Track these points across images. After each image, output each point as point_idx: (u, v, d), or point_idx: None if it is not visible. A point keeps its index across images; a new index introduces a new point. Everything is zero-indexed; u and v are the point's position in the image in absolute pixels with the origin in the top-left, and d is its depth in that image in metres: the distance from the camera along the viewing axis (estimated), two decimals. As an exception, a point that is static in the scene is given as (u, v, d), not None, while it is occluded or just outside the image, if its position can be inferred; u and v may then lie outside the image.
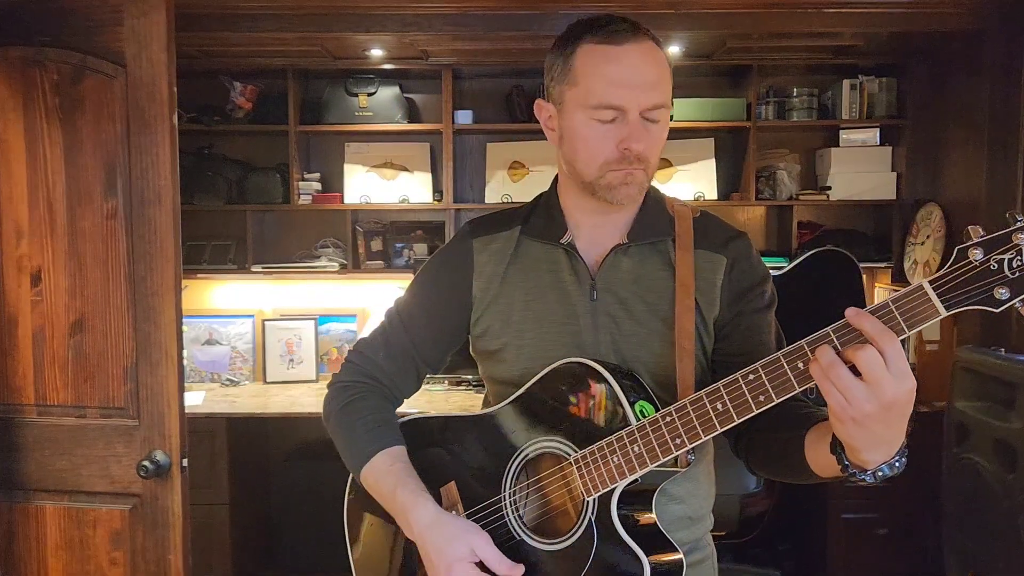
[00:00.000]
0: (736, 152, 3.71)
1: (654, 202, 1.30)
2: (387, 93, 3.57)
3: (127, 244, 1.86)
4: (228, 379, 3.67)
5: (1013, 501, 2.32)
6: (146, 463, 1.83)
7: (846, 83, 3.54)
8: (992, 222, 0.87)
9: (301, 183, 3.61)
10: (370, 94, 3.56)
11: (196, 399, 3.30)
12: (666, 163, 3.67)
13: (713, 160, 3.66)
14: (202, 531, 3.00)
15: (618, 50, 1.17)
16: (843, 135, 3.61)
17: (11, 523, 1.94)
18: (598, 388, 1.14)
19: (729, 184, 3.73)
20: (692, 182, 3.65)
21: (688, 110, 3.54)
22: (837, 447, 0.99)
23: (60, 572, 1.93)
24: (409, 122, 3.60)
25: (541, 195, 1.36)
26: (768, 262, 3.66)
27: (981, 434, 2.50)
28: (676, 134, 3.64)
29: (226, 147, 3.70)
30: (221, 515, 3.15)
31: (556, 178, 1.34)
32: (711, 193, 3.63)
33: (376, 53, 3.31)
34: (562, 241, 1.27)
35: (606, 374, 1.13)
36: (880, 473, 0.97)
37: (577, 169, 1.22)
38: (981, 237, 0.90)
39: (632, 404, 1.11)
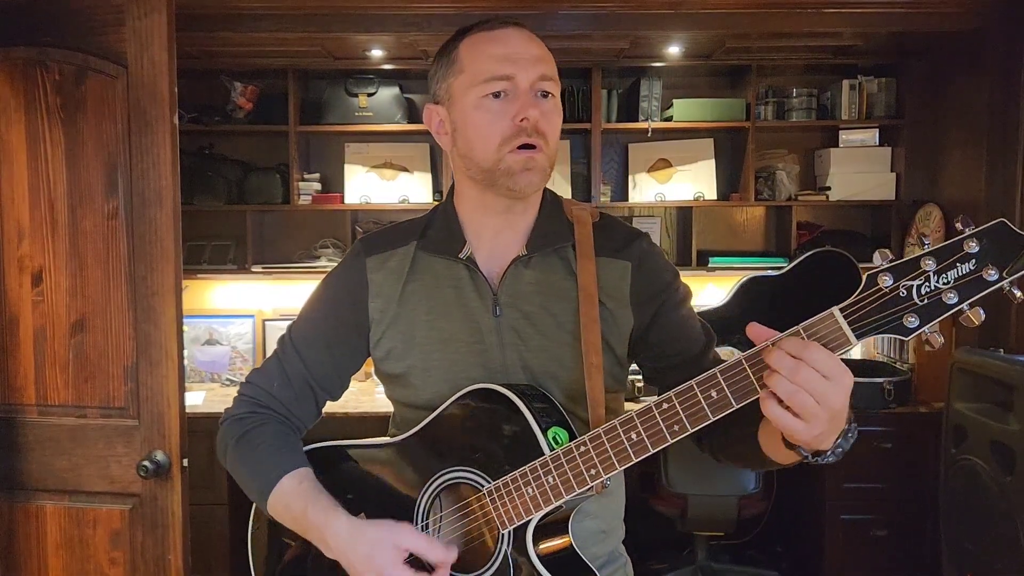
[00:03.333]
0: (735, 152, 3.72)
1: (552, 206, 1.25)
2: (387, 93, 3.58)
3: (128, 244, 1.86)
4: (228, 379, 3.68)
5: (1011, 503, 2.33)
6: (146, 463, 1.83)
7: (845, 83, 3.54)
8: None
9: (301, 183, 3.61)
10: (370, 94, 3.56)
11: (196, 399, 3.30)
12: (665, 163, 3.68)
13: (712, 160, 3.67)
14: (201, 531, 3.00)
15: (499, 32, 1.16)
16: (842, 135, 3.61)
17: (11, 522, 1.95)
18: (509, 416, 1.09)
19: (728, 184, 3.73)
20: (691, 182, 3.66)
21: (687, 110, 3.55)
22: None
23: (60, 571, 1.93)
24: (409, 122, 3.60)
25: (438, 207, 1.30)
26: (767, 262, 3.71)
27: (979, 435, 2.50)
28: (675, 134, 3.66)
29: (226, 147, 3.71)
30: (220, 515, 3.16)
31: (452, 189, 1.28)
32: (710, 193, 3.64)
33: (376, 53, 3.32)
34: (460, 255, 1.21)
35: (517, 401, 1.09)
36: (839, 450, 0.97)
37: (475, 159, 1.16)
38: (889, 262, 0.88)
39: (545, 431, 1.07)
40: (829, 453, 0.97)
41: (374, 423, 3.09)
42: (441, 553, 1.07)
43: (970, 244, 0.85)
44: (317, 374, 1.27)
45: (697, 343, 1.23)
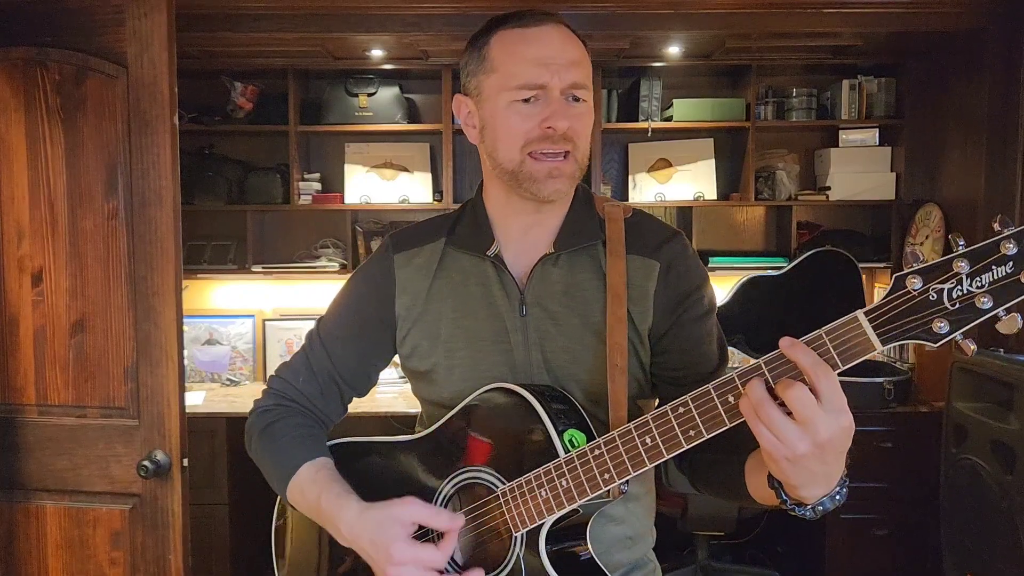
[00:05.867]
0: (735, 152, 3.72)
1: (583, 203, 1.23)
2: (387, 93, 3.57)
3: (128, 244, 1.86)
4: (228, 379, 3.68)
5: (1011, 502, 2.33)
6: (146, 463, 1.83)
7: (845, 83, 3.55)
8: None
9: (301, 183, 3.61)
10: (370, 94, 3.56)
11: (196, 399, 3.30)
12: (666, 163, 3.68)
13: (712, 160, 3.67)
14: (201, 531, 3.00)
15: (534, 31, 1.13)
16: (842, 135, 3.61)
17: (12, 522, 1.95)
18: (526, 417, 1.08)
19: (728, 184, 3.74)
20: (691, 182, 3.66)
21: (687, 110, 3.55)
22: (775, 481, 0.94)
23: (60, 571, 1.93)
24: (409, 122, 3.60)
25: (467, 203, 1.29)
26: (768, 262, 3.70)
27: (979, 435, 2.50)
28: (675, 134, 3.66)
29: (226, 147, 3.71)
30: (220, 515, 3.16)
31: (481, 185, 1.27)
32: (710, 193, 3.64)
33: (376, 53, 3.32)
34: (488, 253, 1.20)
35: (534, 402, 1.07)
36: (820, 507, 0.92)
37: (499, 159, 1.15)
38: (920, 264, 0.83)
39: (561, 434, 1.05)
40: (809, 508, 0.93)
41: (374, 423, 3.09)
42: (447, 520, 1.05)
43: (1007, 245, 0.79)
44: (343, 369, 1.27)
45: (708, 363, 1.19)
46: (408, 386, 1.34)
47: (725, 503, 2.81)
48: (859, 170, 3.58)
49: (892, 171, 3.60)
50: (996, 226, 0.80)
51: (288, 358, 1.34)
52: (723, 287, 3.52)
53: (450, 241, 1.24)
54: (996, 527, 2.39)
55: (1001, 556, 2.37)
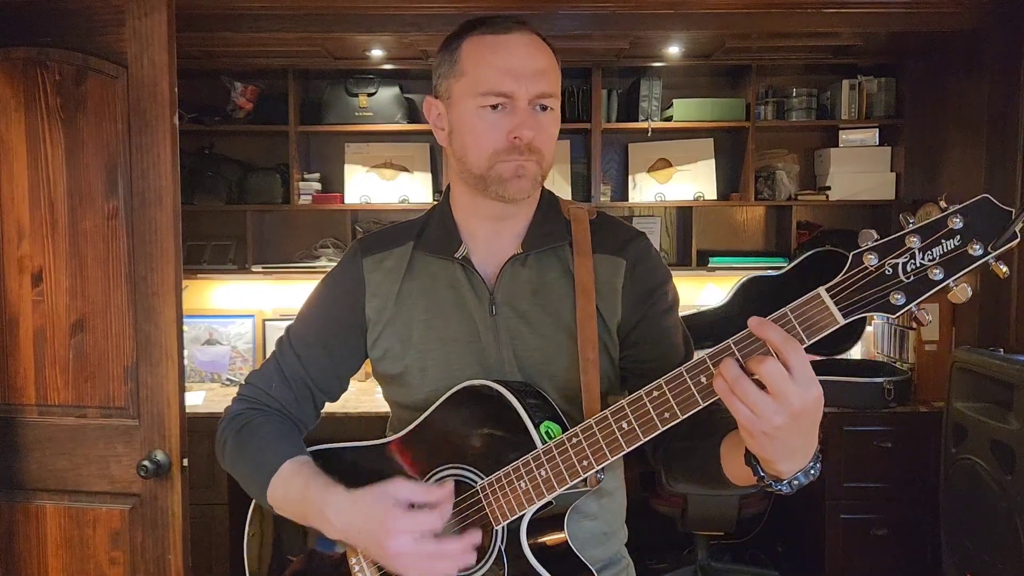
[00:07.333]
0: (735, 152, 3.72)
1: (549, 206, 1.26)
2: (387, 93, 3.58)
3: (128, 244, 1.87)
4: (228, 379, 3.68)
5: (1011, 502, 2.33)
6: (146, 463, 1.83)
7: (845, 83, 3.55)
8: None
9: (301, 183, 3.61)
10: (370, 94, 3.56)
11: (196, 399, 3.31)
12: (666, 163, 3.68)
13: (712, 160, 3.67)
14: (201, 531, 3.01)
15: (504, 39, 1.15)
16: (842, 135, 3.62)
17: (11, 522, 1.95)
18: (502, 411, 1.09)
19: (728, 184, 3.74)
20: (691, 182, 3.66)
21: (687, 110, 3.55)
22: (751, 458, 0.97)
23: (60, 571, 1.94)
24: (409, 122, 3.60)
25: (435, 207, 1.31)
26: (767, 262, 3.70)
27: (979, 435, 2.51)
28: (675, 134, 3.66)
29: (226, 147, 3.71)
30: (220, 515, 3.16)
31: (448, 189, 1.29)
32: (710, 193, 3.64)
33: (376, 53, 3.32)
34: (456, 255, 1.22)
35: (509, 396, 1.09)
36: (796, 482, 0.96)
37: (467, 164, 1.18)
38: (875, 241, 0.88)
39: (537, 426, 1.07)
40: (785, 482, 0.96)
41: (374, 423, 3.09)
42: (437, 493, 1.06)
43: (954, 220, 0.85)
44: (315, 375, 1.27)
45: (677, 355, 1.23)
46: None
47: (714, 499, 2.79)
48: (859, 170, 3.59)
49: (892, 171, 3.60)
50: (942, 203, 0.86)
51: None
52: (723, 287, 3.51)
53: (418, 245, 1.25)
54: (996, 527, 2.39)
55: (1001, 556, 2.38)
